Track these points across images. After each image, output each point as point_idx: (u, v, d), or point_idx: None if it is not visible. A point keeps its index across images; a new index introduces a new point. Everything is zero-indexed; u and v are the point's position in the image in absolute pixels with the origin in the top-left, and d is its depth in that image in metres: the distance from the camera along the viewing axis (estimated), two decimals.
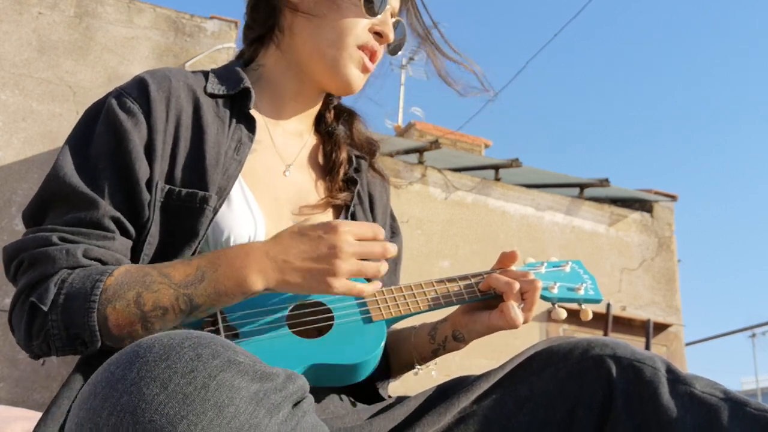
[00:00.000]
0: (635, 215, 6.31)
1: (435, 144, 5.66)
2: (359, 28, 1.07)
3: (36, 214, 0.95)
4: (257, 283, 0.86)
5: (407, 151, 5.74)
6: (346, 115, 1.24)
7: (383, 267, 0.91)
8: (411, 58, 9.94)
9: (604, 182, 6.03)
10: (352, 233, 0.88)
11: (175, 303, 0.85)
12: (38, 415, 2.19)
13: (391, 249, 0.92)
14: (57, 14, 4.63)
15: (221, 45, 4.84)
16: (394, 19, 1.14)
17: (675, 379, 0.89)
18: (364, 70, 1.09)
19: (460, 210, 5.70)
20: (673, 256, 6.32)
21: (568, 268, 1.18)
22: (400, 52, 1.21)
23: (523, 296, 1.03)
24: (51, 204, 0.94)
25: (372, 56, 1.10)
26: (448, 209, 5.66)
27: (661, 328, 6.03)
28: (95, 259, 0.90)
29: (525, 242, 5.74)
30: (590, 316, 1.11)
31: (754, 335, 14.44)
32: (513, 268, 1.09)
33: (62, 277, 0.86)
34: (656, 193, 6.45)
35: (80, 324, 0.84)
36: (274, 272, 0.86)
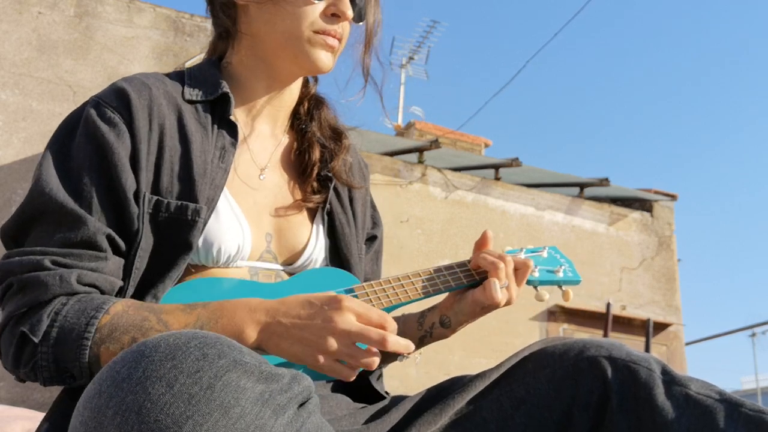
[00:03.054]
0: (635, 214, 6.31)
1: (435, 143, 5.67)
2: (312, 14, 1.03)
3: (18, 232, 0.91)
4: (251, 337, 0.83)
5: (407, 151, 5.75)
6: (315, 105, 1.18)
7: (375, 360, 0.82)
8: (411, 58, 9.95)
9: (604, 181, 6.03)
10: (354, 312, 0.82)
11: None
12: (38, 414, 2.19)
13: (392, 342, 0.81)
14: (57, 14, 4.63)
15: None
16: None
17: (670, 380, 0.89)
18: (330, 49, 1.05)
19: (460, 209, 5.70)
20: (673, 256, 6.32)
21: (545, 253, 1.24)
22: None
23: (516, 273, 1.08)
24: (35, 222, 0.90)
25: (334, 35, 1.05)
26: (448, 208, 5.67)
27: (661, 327, 6.04)
28: (89, 285, 0.87)
29: (525, 241, 5.74)
30: (571, 296, 1.17)
31: (754, 335, 14.44)
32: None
33: (56, 309, 0.83)
34: (656, 192, 6.46)
35: (71, 360, 0.82)
36: (267, 331, 0.83)
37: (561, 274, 1.19)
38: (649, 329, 5.87)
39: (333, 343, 0.80)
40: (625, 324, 5.85)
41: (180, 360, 0.59)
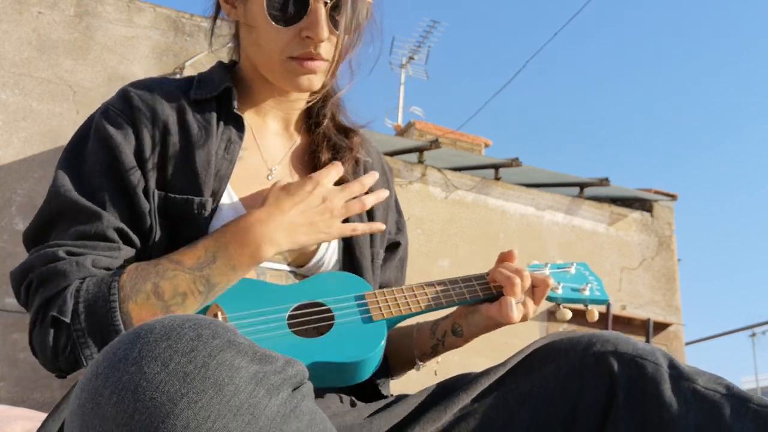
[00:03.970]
0: (635, 214, 6.31)
1: (435, 143, 5.66)
2: (284, 40, 1.01)
3: (38, 234, 0.96)
4: (269, 251, 0.93)
5: (407, 151, 5.74)
6: (323, 105, 1.17)
7: (367, 199, 1.03)
8: (411, 58, 9.93)
9: (604, 181, 6.03)
10: (330, 179, 1.00)
11: (193, 286, 0.89)
12: (39, 414, 2.19)
13: (366, 180, 1.04)
14: (57, 13, 4.63)
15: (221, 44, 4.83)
16: (332, 2, 1.00)
17: (678, 375, 0.88)
18: (308, 72, 1.03)
19: (460, 209, 5.70)
20: (673, 256, 6.32)
21: (573, 270, 1.17)
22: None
23: (533, 291, 1.05)
24: (53, 222, 0.95)
25: (311, 58, 1.02)
26: (448, 208, 5.66)
27: (661, 327, 6.04)
28: (104, 268, 0.91)
29: (525, 241, 5.74)
30: (596, 316, 1.11)
31: (754, 334, 14.39)
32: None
33: (76, 287, 0.87)
34: (656, 192, 6.46)
35: (105, 327, 0.85)
36: (284, 234, 0.94)
37: (587, 293, 1.13)
38: (649, 329, 5.87)
39: (336, 208, 0.98)
40: (625, 324, 5.85)
41: (175, 340, 0.60)
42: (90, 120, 1.03)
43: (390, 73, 9.62)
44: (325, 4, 0.99)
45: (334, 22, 1.01)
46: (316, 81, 1.06)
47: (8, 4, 4.52)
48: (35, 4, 4.59)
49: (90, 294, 0.86)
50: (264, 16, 1.00)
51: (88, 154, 0.98)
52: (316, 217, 0.96)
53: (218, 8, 1.13)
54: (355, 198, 1.02)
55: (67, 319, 0.85)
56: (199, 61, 4.78)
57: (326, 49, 1.03)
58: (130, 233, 0.95)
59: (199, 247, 0.91)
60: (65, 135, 4.40)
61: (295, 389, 0.64)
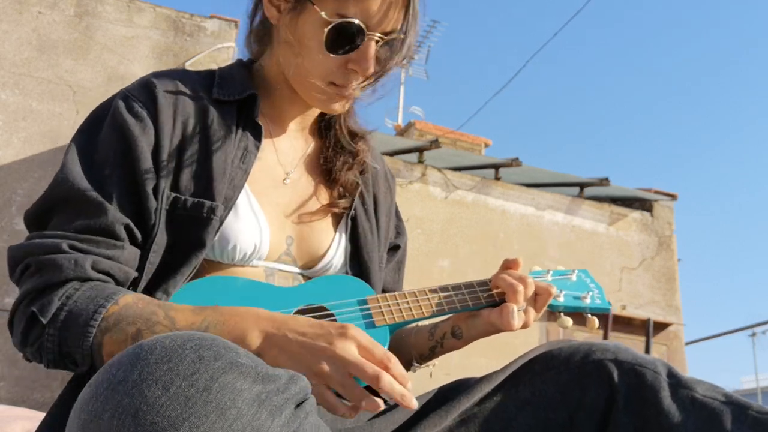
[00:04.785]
0: (635, 214, 6.31)
1: (435, 143, 5.66)
2: (328, 66, 1.00)
3: (41, 217, 0.93)
4: (254, 343, 0.80)
5: (407, 151, 5.75)
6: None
7: (372, 401, 0.78)
8: (411, 57, 9.94)
9: (603, 181, 6.03)
10: (357, 342, 0.78)
11: None
12: (38, 414, 2.19)
13: (386, 382, 0.76)
14: (57, 13, 4.63)
15: (221, 44, 4.83)
16: (383, 41, 1.00)
17: (676, 383, 0.89)
18: (342, 98, 1.04)
19: (460, 209, 5.70)
20: (673, 255, 6.32)
21: (574, 277, 1.17)
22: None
23: (536, 299, 1.04)
24: (57, 208, 0.92)
25: (350, 87, 1.02)
26: (448, 208, 5.67)
27: (661, 327, 6.03)
28: (103, 272, 0.89)
29: (525, 241, 5.74)
30: (597, 324, 1.10)
31: (754, 334, 14.40)
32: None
33: (68, 293, 0.85)
34: (656, 192, 6.46)
35: (74, 345, 0.83)
36: (269, 341, 0.80)
37: (588, 301, 1.12)
38: (649, 329, 5.87)
39: (325, 367, 0.77)
40: (625, 324, 5.85)
41: (176, 362, 0.59)
42: (106, 104, 0.99)
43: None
44: (377, 42, 0.99)
45: (380, 57, 1.01)
46: (348, 106, 1.07)
47: (8, 4, 4.52)
48: (35, 4, 4.59)
49: (76, 307, 0.84)
50: (316, 39, 0.98)
51: (101, 141, 0.95)
52: (304, 352, 0.78)
53: (256, 6, 1.11)
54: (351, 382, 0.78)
55: (44, 321, 0.83)
56: (198, 61, 4.78)
57: (362, 83, 1.03)
58: (135, 230, 0.93)
59: (201, 314, 0.83)
60: (65, 135, 4.40)
61: (298, 406, 0.63)
